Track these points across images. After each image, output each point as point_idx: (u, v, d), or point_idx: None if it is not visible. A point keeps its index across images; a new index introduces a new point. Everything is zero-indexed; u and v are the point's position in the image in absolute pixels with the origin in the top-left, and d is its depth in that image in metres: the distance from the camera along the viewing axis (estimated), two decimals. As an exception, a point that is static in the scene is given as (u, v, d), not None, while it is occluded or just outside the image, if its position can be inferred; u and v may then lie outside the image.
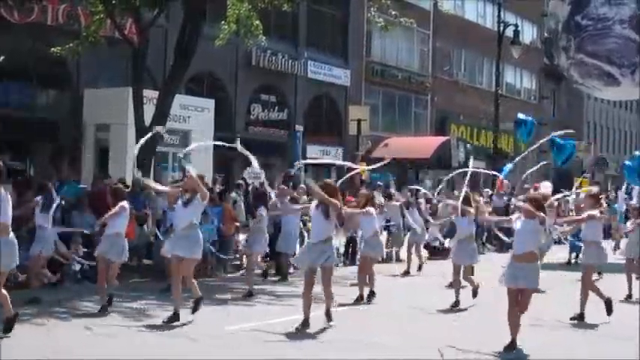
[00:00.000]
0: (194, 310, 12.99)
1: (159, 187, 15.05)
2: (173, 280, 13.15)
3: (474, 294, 15.69)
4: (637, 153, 29.17)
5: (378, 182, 29.44)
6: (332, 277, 12.92)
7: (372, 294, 16.09)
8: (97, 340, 11.47)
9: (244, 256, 21.12)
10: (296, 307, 13.00)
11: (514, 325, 11.12)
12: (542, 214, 11.06)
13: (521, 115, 35.25)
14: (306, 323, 12.45)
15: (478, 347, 11.32)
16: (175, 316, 12.64)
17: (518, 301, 11.12)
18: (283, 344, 11.46)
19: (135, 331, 12.14)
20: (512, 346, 11.07)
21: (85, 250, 17.70)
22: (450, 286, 16.35)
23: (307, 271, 12.72)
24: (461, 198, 15.85)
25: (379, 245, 16.85)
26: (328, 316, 12.78)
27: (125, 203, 14.22)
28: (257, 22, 22.14)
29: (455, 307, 15.25)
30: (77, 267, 17.47)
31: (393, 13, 26.77)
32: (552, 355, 10.99)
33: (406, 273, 21.46)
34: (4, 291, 11.04)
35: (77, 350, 10.61)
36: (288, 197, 20.17)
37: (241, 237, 21.44)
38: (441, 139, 44.95)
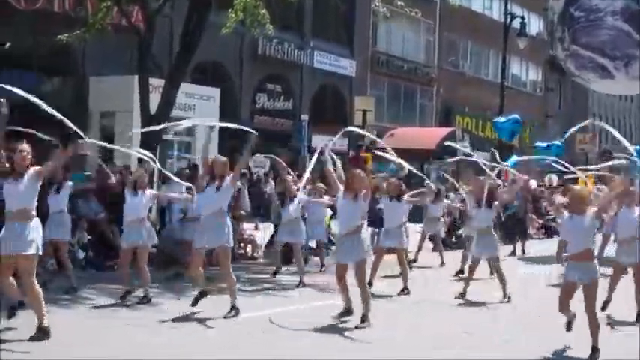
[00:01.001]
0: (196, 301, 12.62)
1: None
2: (193, 269, 12.74)
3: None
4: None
5: (384, 172, 29.39)
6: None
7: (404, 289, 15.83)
8: (100, 331, 11.35)
9: (248, 245, 21.19)
10: (295, 298, 12.87)
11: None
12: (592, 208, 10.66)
13: (500, 119, 35.57)
14: (348, 311, 12.26)
15: (478, 344, 11.22)
16: (203, 294, 12.52)
17: (571, 297, 10.63)
18: (283, 340, 11.13)
19: (138, 320, 12.06)
20: (594, 351, 10.37)
21: (90, 237, 17.73)
22: (458, 277, 16.19)
23: (337, 267, 12.44)
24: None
25: (400, 236, 16.10)
26: (363, 319, 12.10)
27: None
28: (263, 11, 22.10)
29: (462, 297, 15.20)
30: (81, 255, 17.46)
31: (399, 3, 26.71)
32: (550, 352, 10.71)
33: (413, 261, 21.37)
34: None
35: (80, 347, 10.28)
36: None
37: (245, 226, 21.48)
38: (446, 130, 44.94)
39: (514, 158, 37.80)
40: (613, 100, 69.23)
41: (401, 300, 15.27)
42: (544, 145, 33.16)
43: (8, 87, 10.82)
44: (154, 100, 21.24)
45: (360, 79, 42.45)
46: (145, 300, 13.37)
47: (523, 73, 58.53)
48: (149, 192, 13.84)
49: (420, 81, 47.85)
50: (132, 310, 12.86)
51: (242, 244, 21.36)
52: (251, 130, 13.96)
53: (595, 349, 10.25)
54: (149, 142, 20.42)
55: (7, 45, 25.40)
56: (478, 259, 15.50)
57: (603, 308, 13.30)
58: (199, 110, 29.45)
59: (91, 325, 11.65)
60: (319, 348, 10.64)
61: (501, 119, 34.39)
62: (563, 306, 10.61)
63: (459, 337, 11.80)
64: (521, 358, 10.55)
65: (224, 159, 12.81)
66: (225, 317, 12.22)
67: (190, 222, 17.57)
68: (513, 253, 25.03)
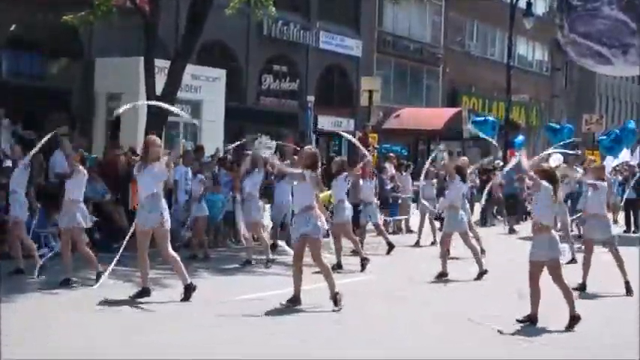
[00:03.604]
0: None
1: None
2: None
3: (479, 264, 15.62)
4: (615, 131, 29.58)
5: (390, 153, 29.41)
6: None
7: (338, 265, 16.11)
8: (104, 316, 11.33)
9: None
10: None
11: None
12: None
13: (479, 118, 36.02)
14: (295, 300, 11.91)
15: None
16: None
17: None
18: (266, 328, 10.75)
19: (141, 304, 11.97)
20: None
21: (97, 219, 17.75)
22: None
23: (295, 243, 12.24)
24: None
25: (344, 211, 16.65)
26: (334, 300, 11.86)
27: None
28: (268, -9, 22.10)
29: (442, 276, 15.36)
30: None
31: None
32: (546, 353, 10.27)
33: (417, 244, 21.53)
34: None
35: (82, 334, 10.18)
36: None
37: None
38: (453, 110, 44.91)
39: (521, 137, 38.02)
40: (619, 80, 69.00)
41: (394, 276, 15.47)
42: (557, 126, 33.33)
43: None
44: (160, 82, 21.24)
45: (367, 60, 42.37)
46: (98, 279, 13.30)
47: (529, 53, 58.34)
48: (83, 172, 13.76)
49: (427, 61, 47.73)
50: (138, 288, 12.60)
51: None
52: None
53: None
54: (154, 123, 20.46)
55: (13, 27, 25.42)
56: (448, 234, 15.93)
57: None
58: (205, 92, 29.48)
59: (99, 307, 11.66)
60: (310, 346, 10.01)
61: (480, 117, 34.83)
62: None
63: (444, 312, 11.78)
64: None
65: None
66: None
67: (195, 202, 17.73)
68: (512, 231, 25.73)
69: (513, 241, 23.25)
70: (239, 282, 14.63)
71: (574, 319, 10.85)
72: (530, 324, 10.88)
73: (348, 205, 16.84)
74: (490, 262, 16.40)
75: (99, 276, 13.37)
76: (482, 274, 15.41)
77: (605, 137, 28.65)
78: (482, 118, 35.32)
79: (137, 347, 9.47)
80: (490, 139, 23.96)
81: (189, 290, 12.24)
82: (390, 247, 19.21)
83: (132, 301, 11.95)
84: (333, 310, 11.63)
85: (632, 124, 28.45)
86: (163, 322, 10.92)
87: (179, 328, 10.56)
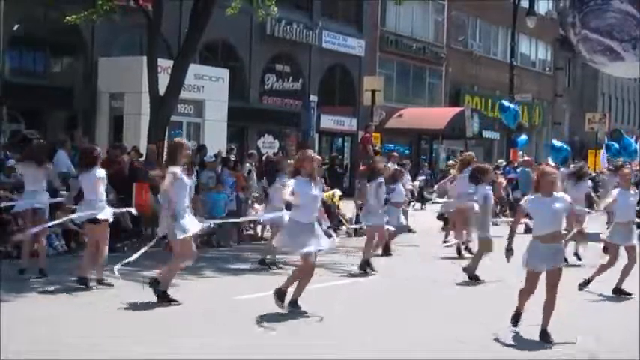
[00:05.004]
0: None
1: None
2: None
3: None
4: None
5: (394, 153, 29.38)
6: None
7: (368, 265, 16.07)
8: (105, 315, 11.32)
9: (258, 226, 21.15)
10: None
11: None
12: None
13: (505, 102, 35.93)
14: (295, 301, 11.78)
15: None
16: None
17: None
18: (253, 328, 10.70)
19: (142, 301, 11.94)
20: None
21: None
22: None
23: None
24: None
25: (382, 215, 16.64)
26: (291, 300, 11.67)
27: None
28: (270, -8, 22.15)
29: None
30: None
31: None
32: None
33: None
34: None
35: (83, 330, 10.28)
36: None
37: (257, 207, 21.44)
38: (455, 109, 44.86)
39: (523, 137, 37.96)
40: (622, 79, 68.93)
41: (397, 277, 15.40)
42: (558, 145, 33.35)
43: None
44: (163, 81, 21.24)
45: (369, 59, 42.31)
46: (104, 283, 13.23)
47: (532, 52, 58.28)
48: (99, 171, 13.61)
49: (429, 61, 47.68)
50: (140, 288, 12.56)
51: (251, 225, 21.38)
52: None
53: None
54: (158, 121, 20.49)
55: (16, 26, 25.43)
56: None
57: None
58: (208, 91, 29.49)
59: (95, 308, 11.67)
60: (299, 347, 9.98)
61: (506, 102, 34.85)
62: None
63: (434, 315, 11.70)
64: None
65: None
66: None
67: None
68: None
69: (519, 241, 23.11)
70: (240, 281, 14.60)
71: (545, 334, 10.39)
72: (516, 322, 10.72)
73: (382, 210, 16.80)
74: (493, 262, 16.37)
75: (100, 282, 13.29)
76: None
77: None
78: (507, 104, 35.35)
79: (137, 346, 9.46)
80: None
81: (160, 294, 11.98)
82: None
83: (134, 301, 11.92)
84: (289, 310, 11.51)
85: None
86: (163, 321, 10.91)
87: (179, 327, 10.56)
